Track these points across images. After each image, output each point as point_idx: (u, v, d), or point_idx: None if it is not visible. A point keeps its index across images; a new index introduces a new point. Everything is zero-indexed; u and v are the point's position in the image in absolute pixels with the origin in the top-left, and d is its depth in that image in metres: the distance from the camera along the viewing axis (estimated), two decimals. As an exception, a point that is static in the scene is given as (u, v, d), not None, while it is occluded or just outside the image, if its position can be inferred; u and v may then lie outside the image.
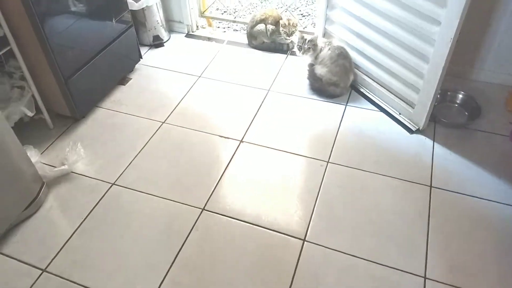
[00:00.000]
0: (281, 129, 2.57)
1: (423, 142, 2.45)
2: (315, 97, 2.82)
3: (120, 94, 2.88)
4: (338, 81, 2.73)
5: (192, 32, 3.53)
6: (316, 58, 2.82)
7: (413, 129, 2.51)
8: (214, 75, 3.05)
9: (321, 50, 2.80)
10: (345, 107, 2.73)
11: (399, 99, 2.57)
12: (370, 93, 2.76)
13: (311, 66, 2.89)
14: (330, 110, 2.71)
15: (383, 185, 2.20)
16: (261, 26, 3.19)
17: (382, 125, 2.57)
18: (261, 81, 2.97)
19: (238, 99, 2.83)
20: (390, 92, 2.62)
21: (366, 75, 2.77)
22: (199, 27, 3.58)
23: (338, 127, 2.56)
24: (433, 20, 2.10)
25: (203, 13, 3.58)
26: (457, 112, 2.64)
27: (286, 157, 2.39)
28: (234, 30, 3.64)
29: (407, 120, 2.55)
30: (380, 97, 2.70)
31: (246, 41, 3.36)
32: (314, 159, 2.37)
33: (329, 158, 2.36)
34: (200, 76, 3.04)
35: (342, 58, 2.72)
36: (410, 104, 2.51)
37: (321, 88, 2.80)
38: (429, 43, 2.19)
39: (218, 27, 3.67)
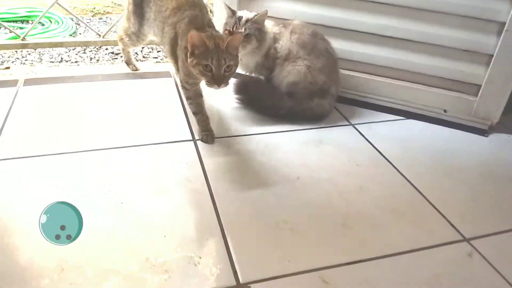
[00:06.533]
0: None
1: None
2: (290, 126, 1.37)
3: None
4: (326, 83, 1.39)
5: None
6: (266, 57, 1.40)
7: (485, 127, 1.43)
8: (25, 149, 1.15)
9: (275, 39, 1.40)
10: (354, 128, 1.41)
11: (439, 89, 1.46)
12: (371, 95, 1.54)
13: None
14: (349, 144, 1.32)
15: None
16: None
17: (440, 140, 1.39)
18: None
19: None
20: (416, 82, 1.48)
21: (355, 71, 1.54)
22: None
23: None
24: None
25: None
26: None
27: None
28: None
29: (462, 117, 1.45)
30: (392, 96, 1.51)
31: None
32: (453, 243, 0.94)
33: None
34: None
35: (321, 40, 1.41)
36: (465, 91, 1.43)
37: (297, 106, 1.38)
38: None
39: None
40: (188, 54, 1.08)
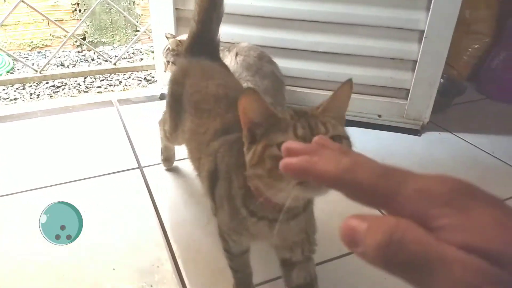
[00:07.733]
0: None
1: (449, 140, 1.52)
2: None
3: None
4: (272, 104, 1.41)
5: None
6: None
7: (417, 127, 1.54)
8: None
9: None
10: (299, 141, 1.46)
11: (372, 96, 1.55)
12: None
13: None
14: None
15: None
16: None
17: (377, 143, 1.47)
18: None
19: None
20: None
21: (295, 86, 1.61)
22: None
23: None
24: None
25: None
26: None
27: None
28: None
29: (395, 120, 1.55)
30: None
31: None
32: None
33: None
34: None
35: (267, 63, 1.45)
36: (396, 96, 1.54)
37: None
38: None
39: None
40: (245, 142, 0.58)
